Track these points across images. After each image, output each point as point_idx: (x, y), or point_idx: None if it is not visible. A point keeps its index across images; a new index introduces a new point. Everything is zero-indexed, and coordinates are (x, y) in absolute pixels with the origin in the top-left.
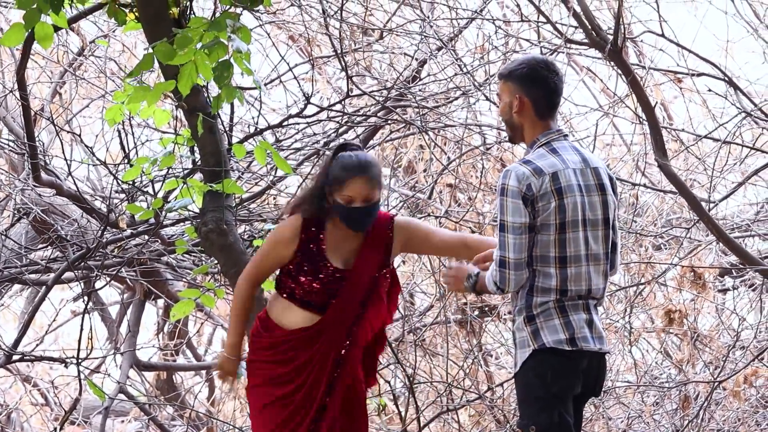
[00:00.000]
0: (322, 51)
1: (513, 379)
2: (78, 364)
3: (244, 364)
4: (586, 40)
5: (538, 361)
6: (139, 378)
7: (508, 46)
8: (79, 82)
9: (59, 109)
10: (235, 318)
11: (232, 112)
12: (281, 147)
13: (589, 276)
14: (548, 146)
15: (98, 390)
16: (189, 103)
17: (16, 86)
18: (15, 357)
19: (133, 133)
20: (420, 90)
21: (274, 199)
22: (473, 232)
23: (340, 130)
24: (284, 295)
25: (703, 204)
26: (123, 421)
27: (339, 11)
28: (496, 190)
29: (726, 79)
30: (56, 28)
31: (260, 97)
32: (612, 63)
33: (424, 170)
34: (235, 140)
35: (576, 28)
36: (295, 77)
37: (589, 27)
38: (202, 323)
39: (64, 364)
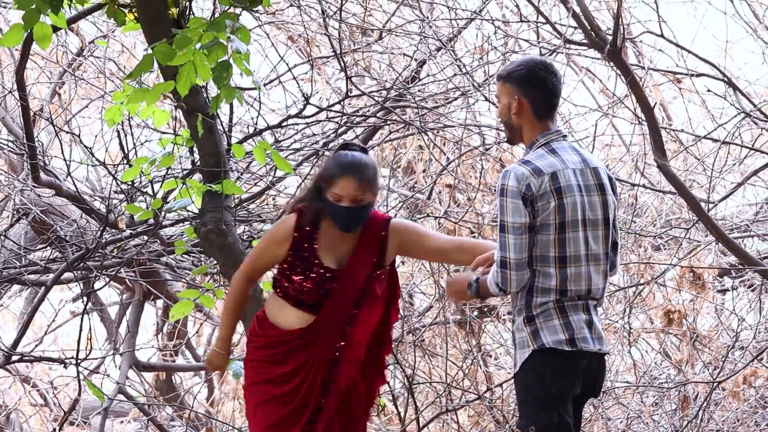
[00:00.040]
0: (321, 51)
1: (512, 380)
2: (77, 365)
3: (242, 364)
4: (585, 41)
5: (538, 361)
6: (138, 378)
7: (508, 46)
8: (78, 82)
9: (58, 109)
10: (226, 313)
11: (232, 112)
12: (280, 147)
13: (589, 276)
14: (547, 147)
15: (97, 390)
16: (188, 103)
17: (15, 86)
18: (14, 357)
19: (132, 134)
20: (419, 90)
21: (274, 199)
22: (472, 232)
23: (340, 131)
24: (279, 294)
25: (703, 204)
26: (122, 422)
27: (338, 12)
28: (495, 190)
29: (725, 79)
30: (55, 29)
31: (259, 97)
32: (611, 63)
33: (424, 171)
34: (234, 141)
35: (575, 28)
36: (294, 78)
37: (588, 27)
38: (201, 324)
39: (63, 365)
